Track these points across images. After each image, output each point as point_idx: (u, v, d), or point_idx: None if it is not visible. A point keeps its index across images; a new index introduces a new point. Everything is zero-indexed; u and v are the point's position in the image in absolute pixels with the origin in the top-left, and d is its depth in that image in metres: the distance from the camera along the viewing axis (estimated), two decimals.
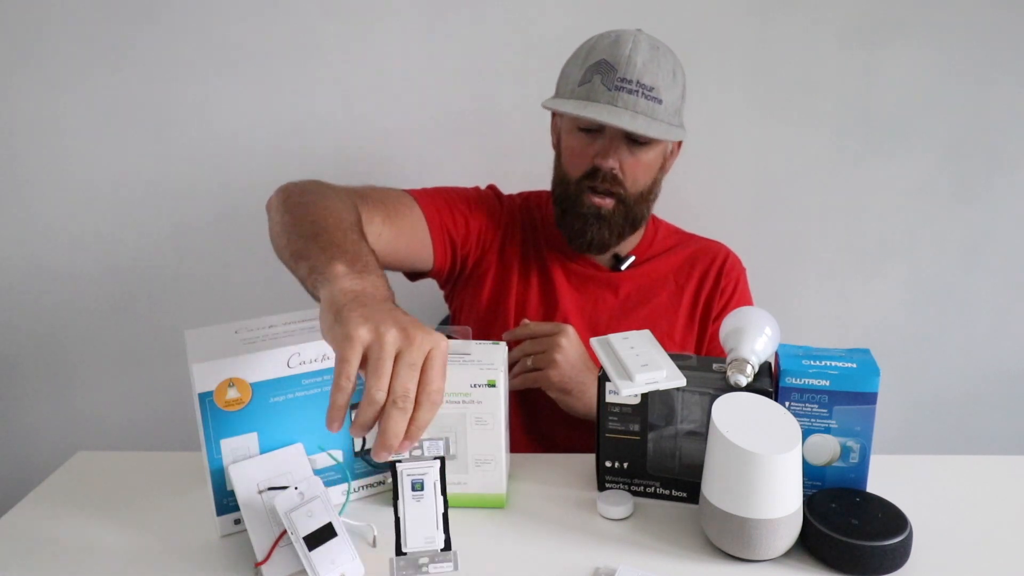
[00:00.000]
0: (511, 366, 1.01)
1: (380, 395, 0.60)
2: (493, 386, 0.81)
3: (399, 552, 0.68)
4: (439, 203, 1.13)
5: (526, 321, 1.02)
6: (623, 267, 1.17)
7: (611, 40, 1.04)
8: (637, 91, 1.00)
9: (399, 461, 0.67)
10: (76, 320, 1.53)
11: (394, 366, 0.61)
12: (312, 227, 0.81)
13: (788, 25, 1.36)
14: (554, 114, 1.16)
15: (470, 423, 0.82)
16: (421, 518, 0.67)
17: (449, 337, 0.88)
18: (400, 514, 0.67)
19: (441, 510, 0.67)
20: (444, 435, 0.71)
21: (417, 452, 0.67)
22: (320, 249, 0.76)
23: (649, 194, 1.12)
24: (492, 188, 1.25)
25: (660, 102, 1.02)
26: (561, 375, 0.99)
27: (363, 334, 0.61)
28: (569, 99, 1.04)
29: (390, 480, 0.86)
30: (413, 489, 0.67)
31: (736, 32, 1.37)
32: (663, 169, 1.14)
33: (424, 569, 0.67)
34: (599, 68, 1.01)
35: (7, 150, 1.45)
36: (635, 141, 1.04)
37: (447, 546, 0.68)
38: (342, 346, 0.61)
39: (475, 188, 1.23)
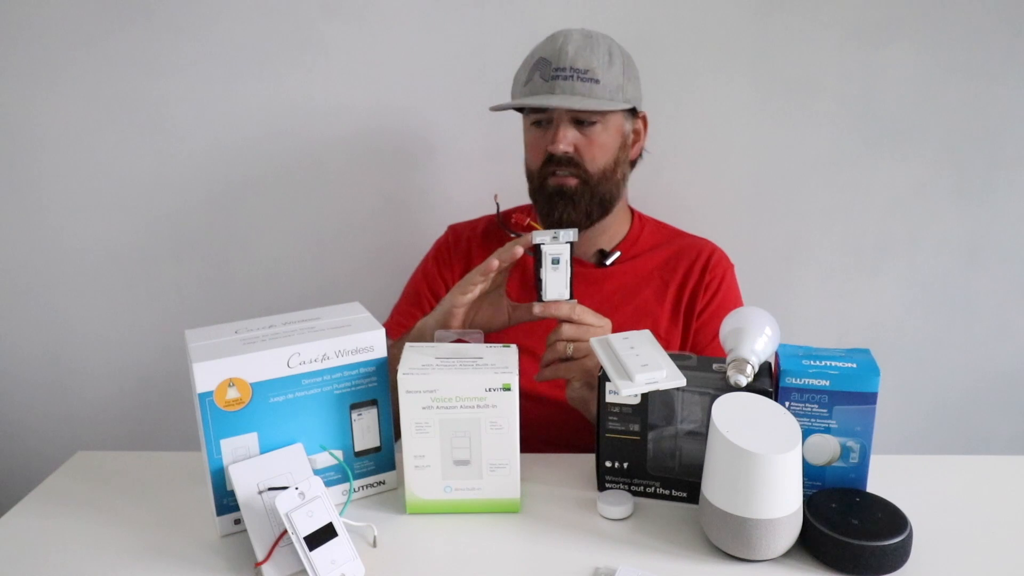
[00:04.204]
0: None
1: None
2: (508, 390, 0.80)
3: (540, 300, 0.92)
4: (412, 309, 1.22)
5: (575, 301, 0.94)
6: (608, 262, 1.18)
7: (548, 39, 1.11)
8: (572, 76, 1.06)
9: (543, 243, 0.89)
10: (76, 320, 1.53)
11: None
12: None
13: (788, 25, 1.36)
14: (523, 121, 1.20)
15: (485, 427, 0.81)
16: (555, 281, 0.91)
17: (460, 341, 0.89)
18: (542, 277, 0.91)
19: (570, 275, 0.91)
20: (574, 229, 0.91)
21: (555, 238, 0.90)
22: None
23: (613, 173, 1.13)
24: (450, 229, 1.29)
25: (597, 82, 1.06)
26: (595, 367, 0.93)
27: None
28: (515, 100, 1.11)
29: (390, 480, 0.89)
30: (552, 263, 0.90)
31: (736, 32, 1.37)
32: (626, 148, 1.15)
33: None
34: (538, 65, 1.09)
35: (4, 150, 1.45)
36: (583, 122, 1.08)
37: (571, 297, 0.92)
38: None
39: (430, 251, 1.27)
